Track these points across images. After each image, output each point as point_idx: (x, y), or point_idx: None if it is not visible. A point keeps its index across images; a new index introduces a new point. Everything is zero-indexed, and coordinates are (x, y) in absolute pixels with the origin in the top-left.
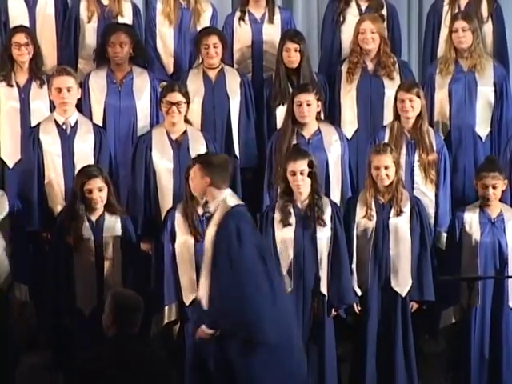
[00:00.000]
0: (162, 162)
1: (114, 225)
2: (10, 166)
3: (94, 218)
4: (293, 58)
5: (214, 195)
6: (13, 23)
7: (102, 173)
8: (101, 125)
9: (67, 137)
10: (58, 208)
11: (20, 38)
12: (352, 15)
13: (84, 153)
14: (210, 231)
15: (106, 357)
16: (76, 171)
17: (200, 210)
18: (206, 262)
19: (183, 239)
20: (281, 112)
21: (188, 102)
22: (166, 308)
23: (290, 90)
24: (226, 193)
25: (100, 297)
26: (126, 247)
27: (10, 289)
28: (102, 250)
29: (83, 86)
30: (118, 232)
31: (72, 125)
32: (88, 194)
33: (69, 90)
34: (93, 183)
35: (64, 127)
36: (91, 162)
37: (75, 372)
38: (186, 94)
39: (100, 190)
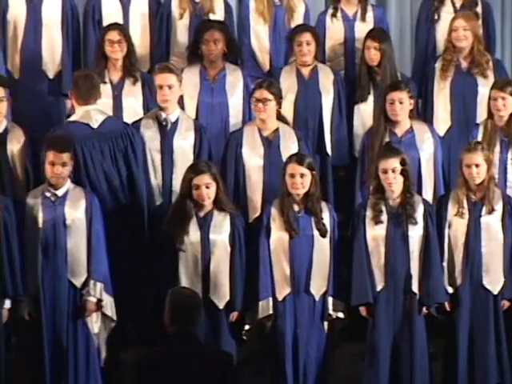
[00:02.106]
0: (253, 158)
1: (222, 222)
2: None
3: (201, 214)
4: (372, 56)
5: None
6: (106, 21)
7: (211, 169)
8: None
9: (167, 133)
10: (156, 202)
11: (113, 35)
12: (447, 13)
13: (183, 149)
14: None
15: (162, 355)
16: (174, 168)
17: (296, 207)
18: None
19: (278, 235)
20: (359, 109)
21: (278, 100)
22: (261, 303)
23: (371, 88)
24: (81, 109)
25: (206, 294)
26: (234, 244)
27: None
28: (209, 247)
29: None
30: (227, 229)
31: (173, 121)
32: (195, 190)
33: (170, 88)
34: (200, 179)
35: (164, 123)
36: (190, 158)
37: (130, 370)
38: (275, 92)
39: (207, 187)
